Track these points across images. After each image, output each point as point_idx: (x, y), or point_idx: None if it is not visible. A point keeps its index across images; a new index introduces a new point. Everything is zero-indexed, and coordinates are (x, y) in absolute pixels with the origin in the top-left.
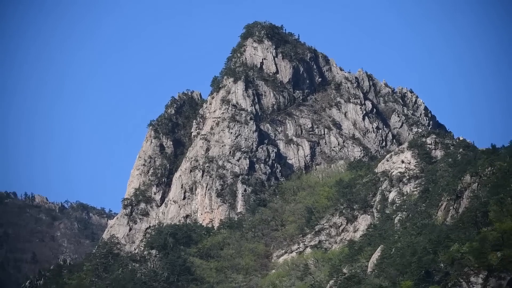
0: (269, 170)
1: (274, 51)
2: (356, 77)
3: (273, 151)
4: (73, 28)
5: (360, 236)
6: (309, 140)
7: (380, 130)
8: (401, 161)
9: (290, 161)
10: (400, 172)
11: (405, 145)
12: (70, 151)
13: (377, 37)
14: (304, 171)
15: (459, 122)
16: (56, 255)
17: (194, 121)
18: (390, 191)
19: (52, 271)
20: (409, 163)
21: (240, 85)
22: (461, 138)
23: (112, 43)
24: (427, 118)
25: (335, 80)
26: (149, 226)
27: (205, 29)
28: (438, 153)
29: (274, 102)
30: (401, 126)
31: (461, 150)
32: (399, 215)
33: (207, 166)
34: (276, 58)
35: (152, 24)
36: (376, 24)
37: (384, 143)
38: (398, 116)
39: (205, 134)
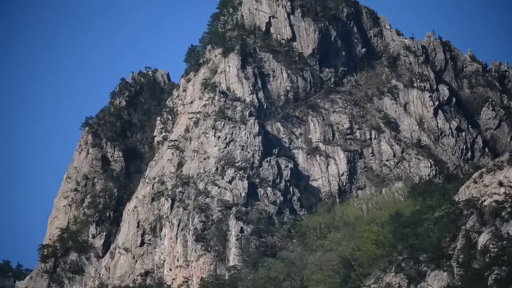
0: (281, 198)
1: (289, 4)
2: (423, 46)
3: (287, 166)
4: None
5: None
6: (346, 149)
7: (463, 133)
8: (499, 183)
9: (315, 183)
10: (496, 202)
11: (506, 156)
12: None
13: None
14: (338, 199)
15: None
16: None
17: (159, 118)
18: (480, 233)
19: None
20: None
21: (234, 59)
22: None
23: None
24: None
25: (388, 51)
26: None
27: None
28: None
29: (288, 88)
30: (499, 126)
31: None
32: (496, 271)
33: (180, 192)
34: (292, 16)
35: None
36: None
37: (469, 153)
38: (494, 110)
39: (176, 140)
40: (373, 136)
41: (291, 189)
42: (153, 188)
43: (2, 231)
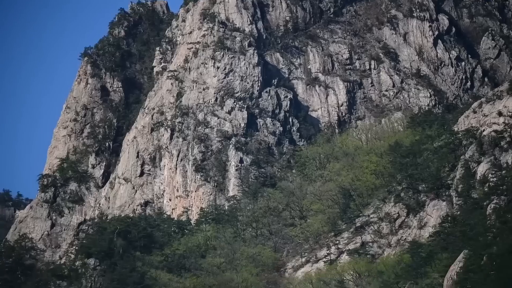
0: (280, 129)
1: None
2: None
3: (286, 97)
4: None
5: (430, 236)
6: (346, 79)
7: (463, 63)
8: (498, 112)
9: (314, 114)
10: (496, 131)
11: (505, 86)
12: None
13: None
14: (337, 130)
15: None
16: None
17: (158, 48)
18: (479, 162)
19: None
20: (511, 116)
21: None
22: None
23: None
24: None
25: None
26: (84, 220)
27: None
28: None
29: (288, 18)
30: (498, 55)
31: None
32: (495, 201)
33: (179, 123)
34: None
35: None
36: None
37: (469, 83)
38: (494, 40)
39: (175, 71)
40: (372, 66)
41: (290, 120)
42: (152, 118)
43: (2, 161)
